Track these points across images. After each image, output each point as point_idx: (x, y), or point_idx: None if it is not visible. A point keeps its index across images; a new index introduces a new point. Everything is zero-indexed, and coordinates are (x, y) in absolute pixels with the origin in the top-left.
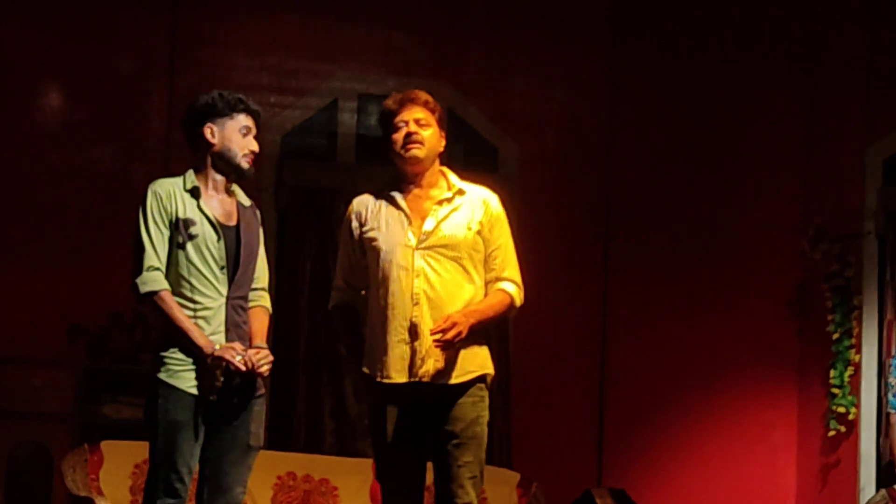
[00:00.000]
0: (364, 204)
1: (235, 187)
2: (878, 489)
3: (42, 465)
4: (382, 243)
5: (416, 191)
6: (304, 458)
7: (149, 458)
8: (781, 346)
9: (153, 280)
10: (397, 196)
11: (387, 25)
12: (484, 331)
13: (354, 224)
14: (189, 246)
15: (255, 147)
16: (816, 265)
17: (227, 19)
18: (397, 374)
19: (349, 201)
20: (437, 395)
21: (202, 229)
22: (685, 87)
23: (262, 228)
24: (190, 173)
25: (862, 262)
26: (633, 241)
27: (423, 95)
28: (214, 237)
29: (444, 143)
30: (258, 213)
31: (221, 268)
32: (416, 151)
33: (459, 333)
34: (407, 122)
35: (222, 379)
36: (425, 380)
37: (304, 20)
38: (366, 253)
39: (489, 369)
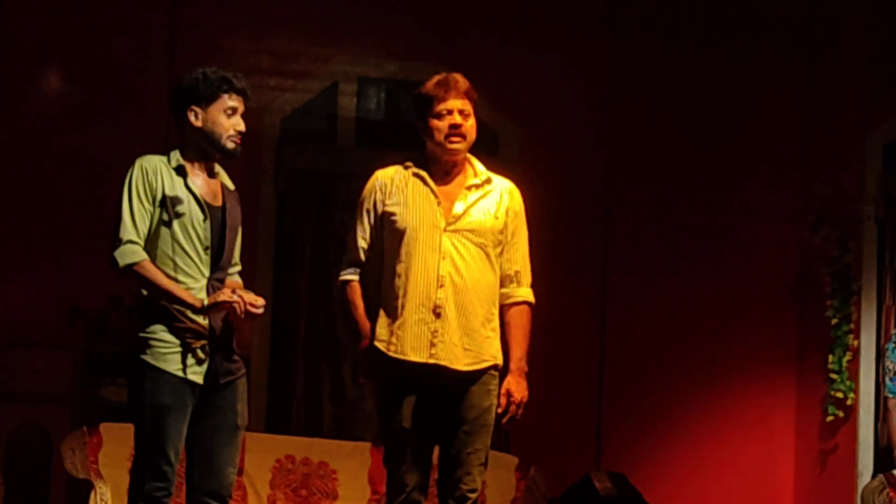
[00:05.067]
0: (388, 177)
1: (220, 169)
2: (875, 474)
3: (41, 447)
4: (409, 219)
5: (444, 174)
6: (303, 441)
7: (135, 443)
8: (780, 331)
9: (130, 252)
10: (426, 175)
11: (387, 8)
12: (497, 321)
13: (378, 196)
14: (175, 224)
15: (241, 127)
16: (816, 251)
17: (226, 2)
18: (413, 353)
19: (349, 185)
20: (451, 379)
21: (189, 208)
22: (685, 73)
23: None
24: (175, 152)
25: (861, 247)
26: (632, 225)
27: (464, 82)
28: (201, 216)
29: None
30: (238, 198)
31: (206, 248)
32: (460, 146)
33: (522, 400)
34: (451, 112)
35: (208, 350)
36: (443, 363)
37: (304, 3)
38: (384, 227)
39: (499, 360)
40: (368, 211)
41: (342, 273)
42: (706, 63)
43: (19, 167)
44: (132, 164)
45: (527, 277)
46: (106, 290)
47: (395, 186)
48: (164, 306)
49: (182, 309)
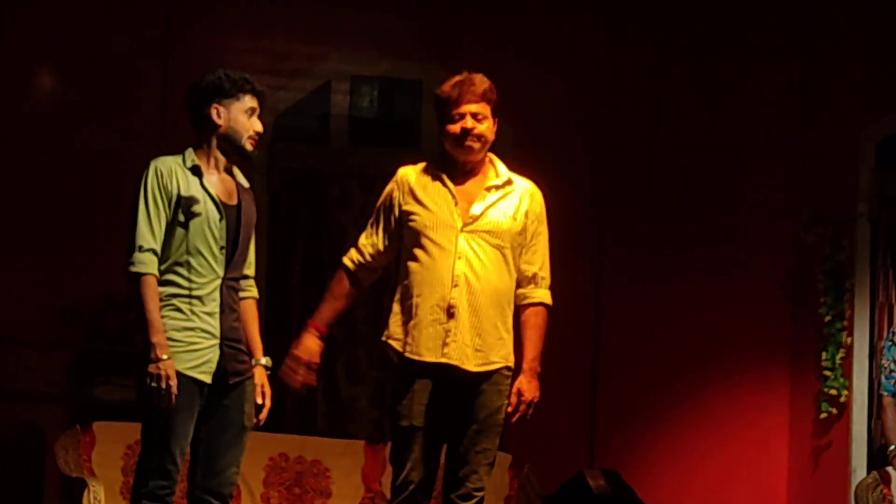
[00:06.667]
0: (410, 176)
1: (234, 168)
2: (869, 471)
3: (35, 446)
4: (426, 220)
5: (464, 175)
6: (297, 439)
7: (141, 439)
8: (774, 328)
9: (141, 262)
10: (445, 176)
11: (380, 7)
12: (510, 323)
13: (397, 195)
14: (191, 225)
15: (259, 128)
16: (809, 248)
17: (220, 1)
18: (428, 353)
19: (342, 183)
20: (461, 379)
21: (205, 208)
22: (681, 71)
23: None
24: (189, 151)
25: (855, 245)
26: (626, 224)
27: (481, 85)
28: (217, 216)
29: (495, 128)
30: (253, 196)
31: (221, 248)
32: (474, 148)
33: (533, 400)
34: (464, 116)
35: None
36: (454, 363)
37: (298, 2)
38: (403, 225)
39: (510, 361)
40: (386, 208)
41: (348, 257)
42: (701, 62)
43: (14, 165)
44: (139, 170)
45: (545, 279)
46: (100, 288)
47: (415, 185)
48: (176, 305)
49: (192, 307)
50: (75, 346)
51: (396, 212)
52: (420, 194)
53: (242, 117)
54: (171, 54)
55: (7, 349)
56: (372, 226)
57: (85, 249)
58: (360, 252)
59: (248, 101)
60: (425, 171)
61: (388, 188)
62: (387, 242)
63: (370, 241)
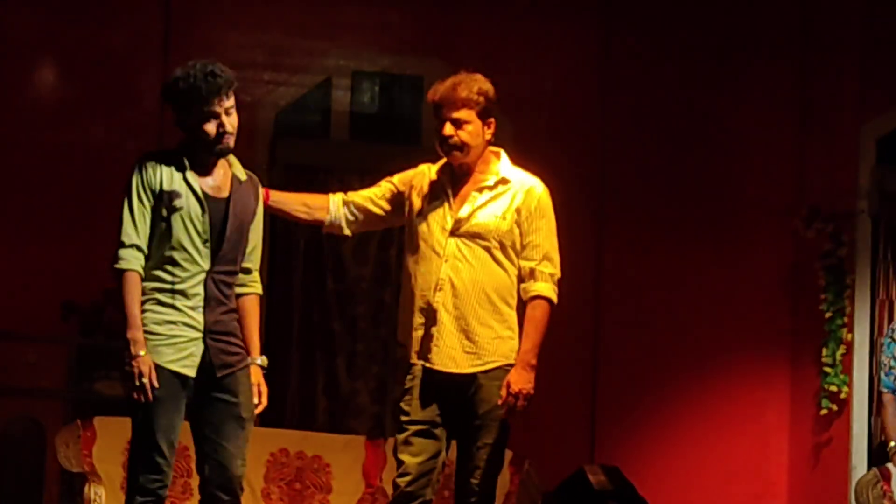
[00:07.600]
0: (426, 175)
1: (233, 159)
2: (869, 468)
3: (35, 441)
4: (421, 222)
5: (463, 174)
6: (297, 434)
7: (131, 435)
8: (774, 324)
9: (122, 258)
10: (445, 178)
11: (381, 2)
12: (513, 321)
13: (411, 181)
14: (172, 218)
15: (229, 126)
16: (810, 244)
17: None
18: (416, 356)
19: (343, 179)
20: (453, 382)
21: (187, 202)
22: (679, 66)
23: (261, 204)
24: (179, 145)
25: (855, 241)
26: (626, 219)
27: (463, 91)
28: (199, 210)
29: (490, 129)
30: (259, 188)
31: (205, 241)
32: (453, 154)
33: (521, 392)
34: (444, 123)
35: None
36: (437, 367)
37: None
38: (408, 226)
39: (512, 360)
40: (395, 183)
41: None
42: (700, 56)
43: (12, 160)
44: (134, 160)
45: (545, 273)
46: (100, 283)
47: (421, 186)
48: (159, 299)
49: (174, 301)
50: (75, 340)
51: (398, 189)
52: (424, 199)
53: (206, 125)
54: (171, 49)
55: (6, 344)
56: (378, 185)
57: (84, 244)
58: (354, 197)
59: (209, 110)
60: (436, 173)
61: (412, 171)
62: (377, 207)
63: (365, 193)
